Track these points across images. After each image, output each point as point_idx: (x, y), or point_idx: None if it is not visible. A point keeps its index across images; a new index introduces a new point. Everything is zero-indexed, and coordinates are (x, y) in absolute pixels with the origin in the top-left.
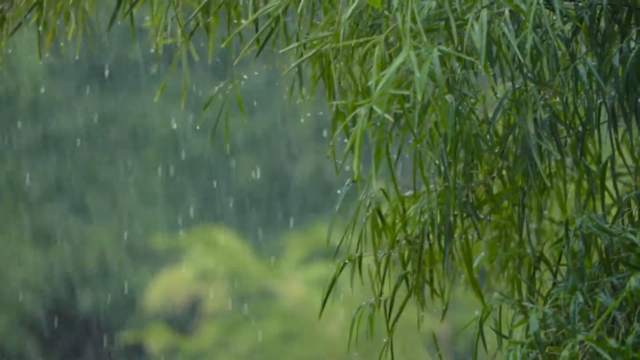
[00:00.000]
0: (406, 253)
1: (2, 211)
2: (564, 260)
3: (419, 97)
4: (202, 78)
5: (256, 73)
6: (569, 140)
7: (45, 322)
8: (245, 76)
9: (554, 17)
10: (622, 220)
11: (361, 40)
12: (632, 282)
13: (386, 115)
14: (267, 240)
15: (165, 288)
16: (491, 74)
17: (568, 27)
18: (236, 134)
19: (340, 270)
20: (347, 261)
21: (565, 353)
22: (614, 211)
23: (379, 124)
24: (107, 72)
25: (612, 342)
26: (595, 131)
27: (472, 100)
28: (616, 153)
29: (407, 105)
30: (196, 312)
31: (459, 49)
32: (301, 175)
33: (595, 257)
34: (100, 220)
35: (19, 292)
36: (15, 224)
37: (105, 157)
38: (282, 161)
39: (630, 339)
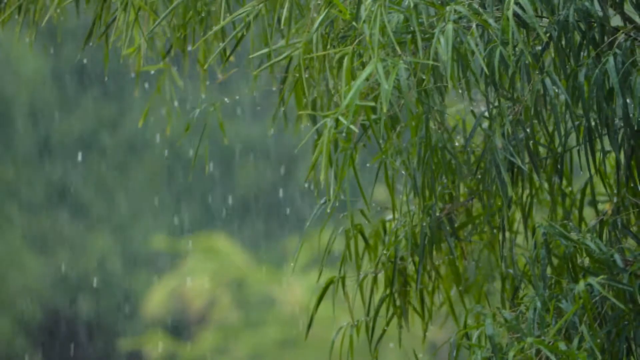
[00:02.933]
0: (386, 273)
1: (1, 217)
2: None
3: (384, 109)
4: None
5: (237, 97)
6: (548, 160)
7: (44, 328)
8: (226, 99)
9: (523, 34)
10: (596, 232)
11: (330, 51)
12: (580, 285)
13: (352, 127)
14: (268, 246)
15: (164, 295)
16: (460, 88)
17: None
18: (235, 139)
19: (324, 293)
20: (331, 281)
21: (511, 354)
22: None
23: (345, 134)
24: (106, 78)
25: (561, 345)
26: (571, 149)
27: (445, 115)
28: (593, 167)
29: (374, 116)
30: (195, 319)
31: (432, 62)
32: (301, 180)
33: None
34: (99, 227)
35: (19, 298)
36: (14, 230)
37: (104, 163)
38: (281, 166)
39: (576, 342)
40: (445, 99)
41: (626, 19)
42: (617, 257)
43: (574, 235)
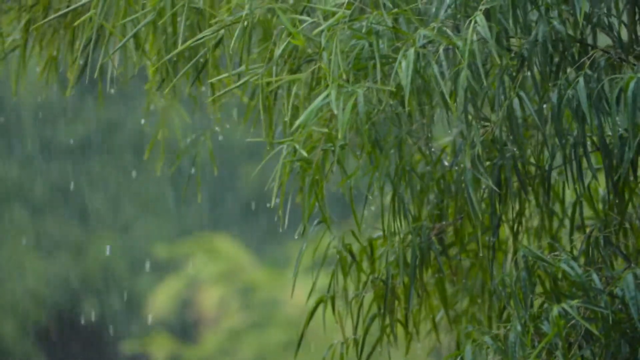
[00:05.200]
0: (376, 293)
1: (5, 220)
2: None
3: (340, 136)
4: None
5: (227, 126)
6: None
7: (49, 331)
8: (217, 129)
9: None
10: (583, 252)
11: (284, 79)
12: (554, 311)
13: (303, 152)
14: (271, 248)
15: (168, 296)
16: (421, 113)
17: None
18: (238, 141)
19: (313, 312)
20: (321, 301)
21: None
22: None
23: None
24: (108, 80)
25: None
26: (556, 169)
27: (415, 138)
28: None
29: (340, 142)
30: (199, 320)
31: (389, 88)
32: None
33: (546, 288)
34: (103, 229)
35: (23, 300)
36: (18, 232)
37: (107, 165)
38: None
39: None
40: (436, 126)
41: (611, 37)
42: (595, 278)
43: (552, 259)
